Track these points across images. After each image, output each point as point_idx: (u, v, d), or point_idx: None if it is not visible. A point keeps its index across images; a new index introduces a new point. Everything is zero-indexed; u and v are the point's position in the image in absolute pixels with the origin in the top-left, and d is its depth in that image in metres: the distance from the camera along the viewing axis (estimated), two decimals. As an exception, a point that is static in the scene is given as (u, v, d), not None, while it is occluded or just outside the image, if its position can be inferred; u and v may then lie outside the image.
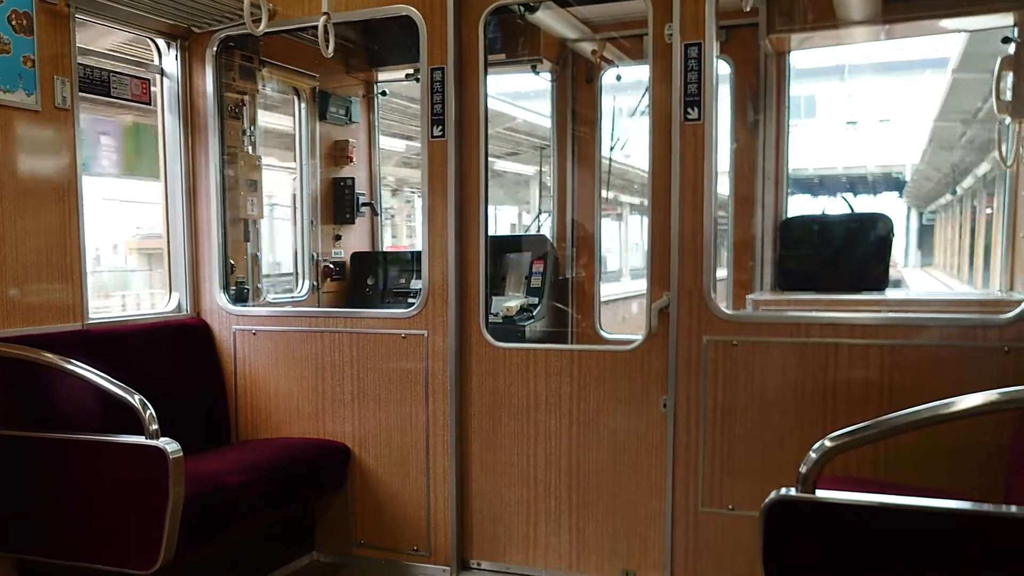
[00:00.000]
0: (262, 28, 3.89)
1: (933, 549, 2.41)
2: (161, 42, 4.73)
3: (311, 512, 4.74)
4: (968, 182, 17.10)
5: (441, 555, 4.50)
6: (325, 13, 3.98)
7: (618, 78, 5.94)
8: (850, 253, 5.26)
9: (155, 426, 3.41)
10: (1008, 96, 4.44)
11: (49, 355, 3.68)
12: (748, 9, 4.47)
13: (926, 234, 22.49)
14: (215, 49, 4.75)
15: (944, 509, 2.42)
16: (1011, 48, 4.48)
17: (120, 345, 4.31)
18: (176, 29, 4.69)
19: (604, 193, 6.10)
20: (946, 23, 5.46)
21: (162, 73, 4.75)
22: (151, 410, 3.42)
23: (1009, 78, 4.41)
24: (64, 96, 4.01)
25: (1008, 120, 4.56)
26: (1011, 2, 4.50)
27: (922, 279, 18.09)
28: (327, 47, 4.00)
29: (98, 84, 4.37)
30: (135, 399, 3.44)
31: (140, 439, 3.42)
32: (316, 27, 3.99)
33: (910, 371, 3.68)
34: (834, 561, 2.52)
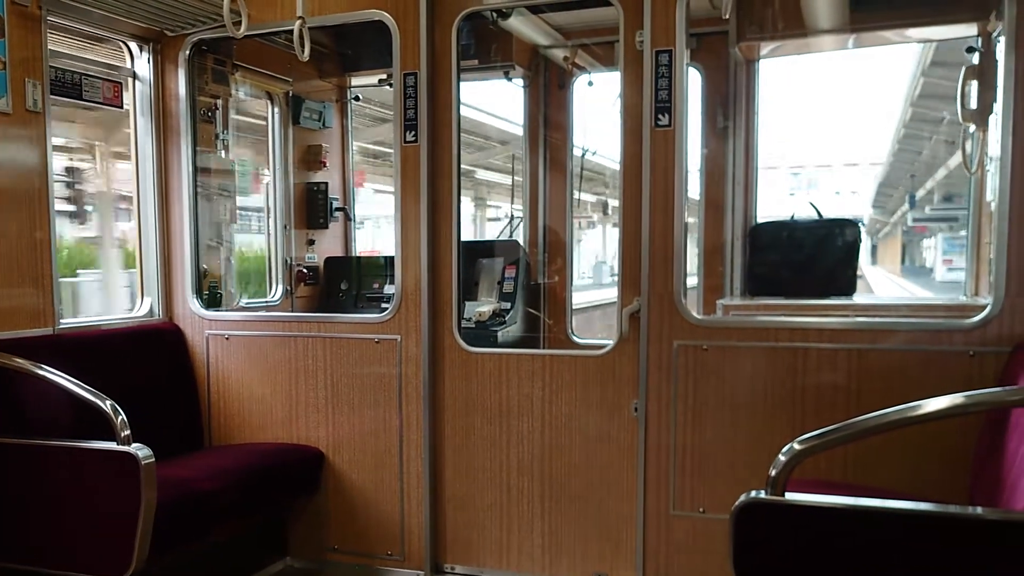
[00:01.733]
0: (242, 31, 3.87)
1: (900, 550, 2.45)
2: (133, 45, 4.71)
3: (284, 517, 4.73)
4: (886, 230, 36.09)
5: (415, 559, 4.50)
6: (300, 17, 3.97)
7: (590, 84, 5.97)
8: (819, 259, 5.32)
9: (127, 432, 3.40)
10: (973, 104, 4.52)
11: (19, 360, 3.65)
12: (727, 16, 4.51)
13: (874, 249, 40.57)
14: (188, 52, 4.73)
15: (911, 511, 2.46)
16: (975, 58, 4.56)
17: (91, 350, 4.28)
18: (148, 32, 4.67)
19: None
20: (912, 32, 5.53)
21: (134, 76, 4.73)
22: (123, 415, 3.41)
23: (974, 87, 4.49)
24: (35, 99, 3.98)
25: (972, 128, 4.64)
26: (975, 13, 4.58)
27: (871, 271, 27.23)
28: (303, 51, 3.99)
29: (70, 87, 4.34)
30: (106, 404, 3.43)
31: (111, 445, 3.41)
32: (291, 31, 3.99)
33: (878, 375, 3.74)
34: (803, 563, 2.56)
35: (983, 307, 3.63)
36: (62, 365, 3.67)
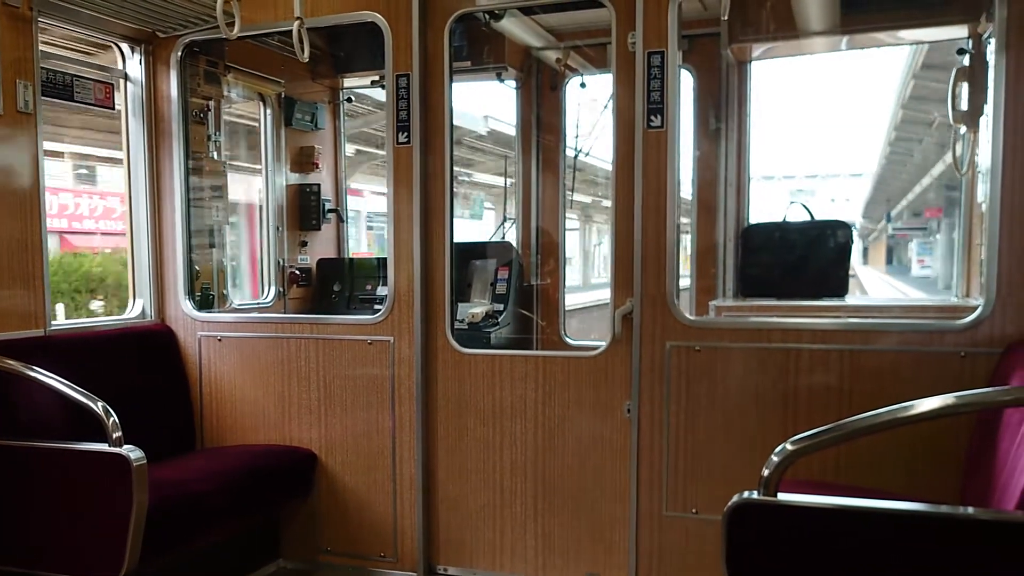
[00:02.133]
0: (236, 32, 3.86)
1: (893, 550, 2.45)
2: (125, 46, 4.69)
3: (277, 519, 4.72)
4: (874, 235, 39.69)
5: (408, 561, 4.50)
6: (298, 18, 3.96)
7: (582, 86, 5.98)
8: (811, 260, 5.33)
9: (118, 433, 3.39)
10: (963, 106, 4.53)
11: (10, 361, 3.64)
12: (726, 17, 4.52)
13: (865, 251, 43.12)
14: (180, 54, 4.72)
15: (903, 511, 2.47)
16: (965, 59, 4.58)
17: (83, 352, 4.27)
18: (140, 33, 4.66)
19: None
20: (903, 34, 5.55)
21: (126, 77, 4.72)
22: (114, 417, 3.40)
23: (964, 88, 4.51)
24: (26, 100, 3.97)
25: (963, 129, 4.66)
26: (965, 15, 4.60)
27: (863, 270, 29.06)
28: (303, 52, 3.98)
29: (61, 88, 4.32)
30: (98, 406, 3.42)
31: (103, 447, 3.40)
32: (285, 32, 3.98)
33: (869, 375, 3.74)
34: (796, 563, 2.56)
35: (974, 308, 3.64)
36: (54, 367, 3.66)
